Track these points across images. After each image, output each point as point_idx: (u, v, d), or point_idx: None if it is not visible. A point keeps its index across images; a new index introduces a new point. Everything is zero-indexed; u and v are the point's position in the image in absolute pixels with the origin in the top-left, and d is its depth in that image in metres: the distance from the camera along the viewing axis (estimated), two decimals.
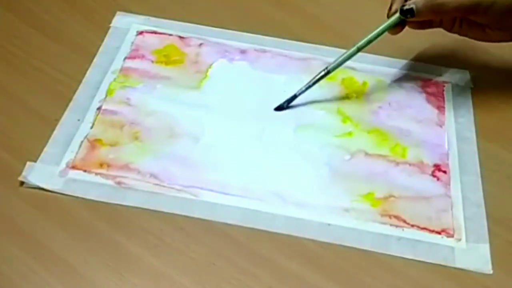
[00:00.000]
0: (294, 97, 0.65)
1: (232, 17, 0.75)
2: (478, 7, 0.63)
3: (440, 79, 0.71)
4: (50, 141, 0.60)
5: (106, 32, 0.71)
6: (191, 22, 0.73)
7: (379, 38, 0.65)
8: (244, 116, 0.64)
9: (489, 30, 0.65)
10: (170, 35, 0.72)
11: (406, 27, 0.66)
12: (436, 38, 0.71)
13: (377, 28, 0.65)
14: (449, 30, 0.67)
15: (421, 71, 0.71)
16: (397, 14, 0.64)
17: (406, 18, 0.64)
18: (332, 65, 0.65)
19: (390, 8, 0.65)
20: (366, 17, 0.76)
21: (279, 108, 0.65)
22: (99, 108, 0.63)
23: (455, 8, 0.63)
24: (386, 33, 0.65)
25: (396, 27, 0.65)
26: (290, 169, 0.60)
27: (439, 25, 0.67)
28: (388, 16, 0.65)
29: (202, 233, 0.55)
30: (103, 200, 0.56)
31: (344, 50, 0.70)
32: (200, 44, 0.71)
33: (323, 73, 0.65)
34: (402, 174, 0.61)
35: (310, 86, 0.65)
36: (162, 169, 0.59)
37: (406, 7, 0.63)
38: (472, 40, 0.67)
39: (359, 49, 0.65)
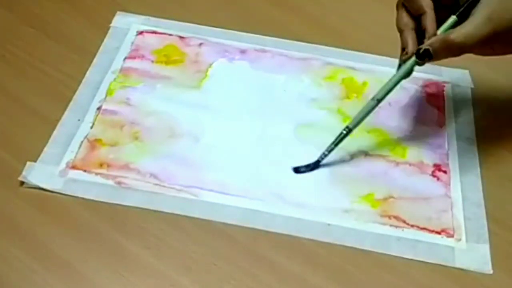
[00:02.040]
0: (317, 162, 0.60)
1: (232, 17, 0.75)
2: (497, 36, 0.57)
3: (440, 79, 0.71)
4: (50, 141, 0.59)
5: (106, 32, 0.71)
6: (191, 22, 0.73)
7: (397, 86, 0.61)
8: (244, 116, 0.64)
9: (497, 46, 0.60)
10: (170, 35, 0.71)
11: None
12: None
13: (394, 76, 0.60)
14: None
15: (421, 71, 0.70)
16: (413, 58, 0.59)
17: (423, 61, 0.58)
18: (353, 123, 0.60)
19: (403, 50, 0.60)
20: (366, 17, 0.76)
21: (298, 171, 0.60)
22: (99, 108, 0.63)
23: (474, 45, 0.57)
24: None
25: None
26: (290, 169, 0.60)
27: None
28: (403, 60, 0.60)
29: (202, 233, 0.55)
30: (103, 200, 0.56)
31: (344, 50, 0.70)
32: (200, 44, 0.71)
33: (344, 132, 0.60)
34: (402, 174, 0.61)
35: (332, 149, 0.60)
36: (162, 169, 0.58)
37: (423, 49, 0.58)
38: None
39: (378, 101, 0.60)
